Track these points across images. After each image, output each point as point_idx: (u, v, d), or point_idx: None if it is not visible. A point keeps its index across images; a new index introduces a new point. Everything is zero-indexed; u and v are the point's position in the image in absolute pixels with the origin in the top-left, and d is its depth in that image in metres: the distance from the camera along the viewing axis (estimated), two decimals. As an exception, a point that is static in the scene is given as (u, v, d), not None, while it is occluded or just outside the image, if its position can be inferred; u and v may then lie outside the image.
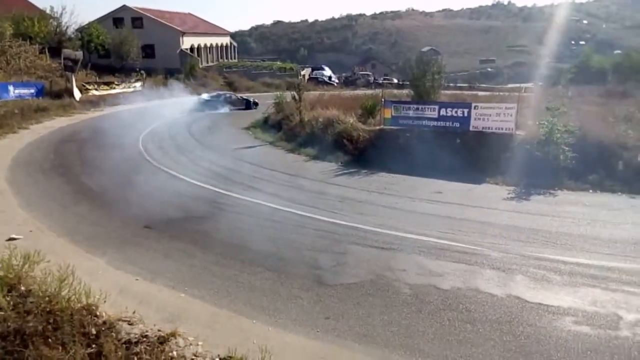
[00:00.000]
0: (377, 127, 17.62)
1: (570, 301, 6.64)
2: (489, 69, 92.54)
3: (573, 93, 24.75)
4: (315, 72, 52.70)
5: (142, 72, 38.07)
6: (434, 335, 5.95)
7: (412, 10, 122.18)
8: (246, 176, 14.01)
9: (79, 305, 5.64)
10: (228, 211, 10.81)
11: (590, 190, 12.28)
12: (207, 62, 49.75)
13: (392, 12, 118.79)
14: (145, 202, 11.34)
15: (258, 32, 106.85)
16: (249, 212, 10.77)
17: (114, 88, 33.56)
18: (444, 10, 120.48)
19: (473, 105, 16.10)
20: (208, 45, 51.16)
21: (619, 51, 50.23)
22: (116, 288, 6.80)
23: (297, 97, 20.71)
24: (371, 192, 12.46)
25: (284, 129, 20.74)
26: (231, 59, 56.74)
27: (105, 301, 5.91)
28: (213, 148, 18.45)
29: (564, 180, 12.71)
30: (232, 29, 67.38)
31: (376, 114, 18.72)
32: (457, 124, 16.00)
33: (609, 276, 7.40)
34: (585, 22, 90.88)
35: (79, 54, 32.09)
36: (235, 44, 60.12)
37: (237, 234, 9.37)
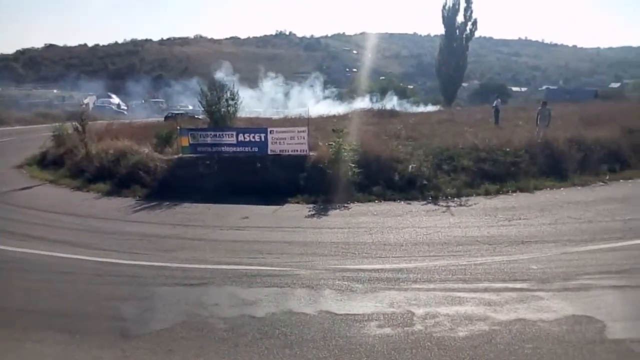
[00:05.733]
0: (176, 156, 16.99)
1: (372, 307, 7.24)
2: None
3: (352, 114, 27.87)
4: (101, 100, 48.62)
5: None
6: (254, 367, 5.83)
7: (201, 37, 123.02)
8: (23, 223, 11.94)
9: None
10: (1, 269, 9.00)
11: (376, 201, 13.80)
12: (-41, 91, 41.56)
13: (180, 38, 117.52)
14: None
15: (26, 56, 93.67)
16: (29, 266, 9.13)
17: None
18: (231, 37, 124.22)
19: (269, 130, 16.75)
20: (-42, 70, 42.84)
21: (383, 77, 58.66)
22: None
23: (80, 128, 18.70)
24: (175, 225, 11.83)
25: (67, 165, 18.45)
26: (-8, 86, 48.55)
27: None
28: (-27, 194, 15.30)
29: (355, 194, 14.05)
30: (-10, 52, 57.83)
31: (173, 142, 18.04)
32: (256, 149, 16.42)
33: (399, 277, 8.33)
34: (355, 52, 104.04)
35: None
36: (-5, 69, 51.62)
37: (16, 296, 7.84)
